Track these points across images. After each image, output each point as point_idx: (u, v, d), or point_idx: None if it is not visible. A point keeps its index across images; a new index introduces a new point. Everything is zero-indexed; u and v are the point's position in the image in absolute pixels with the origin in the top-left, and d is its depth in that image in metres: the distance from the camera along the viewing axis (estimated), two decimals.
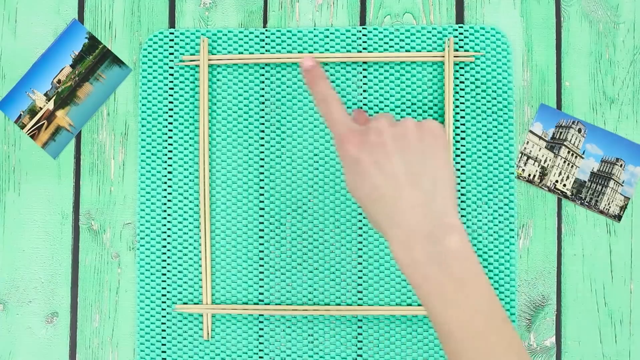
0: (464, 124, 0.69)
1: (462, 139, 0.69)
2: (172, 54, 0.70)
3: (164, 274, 0.69)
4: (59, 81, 0.70)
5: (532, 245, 0.69)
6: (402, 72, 0.69)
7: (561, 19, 0.70)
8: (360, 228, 0.69)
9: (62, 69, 0.70)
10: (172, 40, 0.70)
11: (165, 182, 0.69)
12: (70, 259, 0.70)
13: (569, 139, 0.69)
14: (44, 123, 0.70)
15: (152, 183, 0.69)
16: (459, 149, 0.69)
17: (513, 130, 0.68)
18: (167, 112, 0.70)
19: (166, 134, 0.70)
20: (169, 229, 0.69)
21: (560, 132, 0.69)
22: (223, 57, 0.69)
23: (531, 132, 0.69)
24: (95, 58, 0.70)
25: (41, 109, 0.70)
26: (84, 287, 0.70)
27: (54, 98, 0.70)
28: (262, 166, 0.69)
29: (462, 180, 0.69)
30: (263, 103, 0.70)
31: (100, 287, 0.70)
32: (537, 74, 0.70)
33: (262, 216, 0.69)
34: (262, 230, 0.69)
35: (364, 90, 0.69)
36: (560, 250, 0.69)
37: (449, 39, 0.68)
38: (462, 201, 0.69)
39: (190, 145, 0.69)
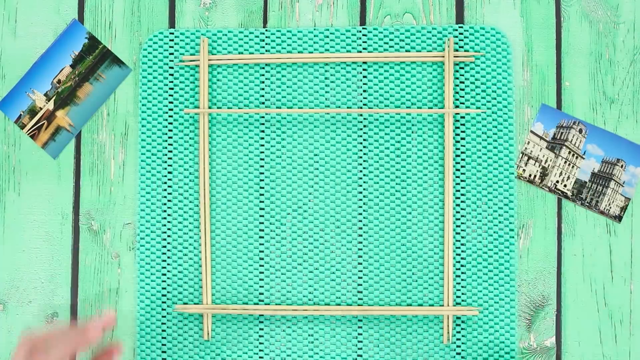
0: (463, 124, 0.69)
1: (462, 139, 0.69)
2: (172, 54, 0.70)
3: (164, 274, 0.69)
4: (59, 81, 0.70)
5: (532, 245, 0.69)
6: (402, 72, 0.69)
7: (561, 19, 0.69)
8: (360, 228, 0.69)
9: (62, 69, 0.70)
10: (172, 40, 0.70)
11: (165, 182, 0.69)
12: (70, 259, 0.70)
13: (569, 139, 0.68)
14: (44, 123, 0.70)
15: (152, 183, 0.69)
16: (459, 149, 0.69)
17: (513, 130, 0.68)
18: (167, 112, 0.69)
19: (166, 134, 0.69)
20: (169, 229, 0.69)
21: (561, 133, 0.69)
22: (223, 57, 0.69)
23: (532, 132, 0.69)
24: (95, 58, 0.70)
25: (41, 109, 0.70)
26: (84, 287, 0.70)
27: (54, 98, 0.70)
28: (262, 166, 0.69)
29: (462, 180, 0.69)
30: (263, 103, 0.69)
31: (100, 287, 0.70)
32: (537, 74, 0.69)
33: (262, 216, 0.69)
34: (262, 230, 0.69)
35: (364, 91, 0.69)
36: (560, 250, 0.69)
37: (449, 39, 0.68)
38: (462, 201, 0.68)
39: (190, 145, 0.69)
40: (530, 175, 0.69)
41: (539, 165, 0.69)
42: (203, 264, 0.68)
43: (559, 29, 0.70)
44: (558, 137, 0.69)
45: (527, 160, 0.69)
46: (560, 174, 0.69)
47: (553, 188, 0.69)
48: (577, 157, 0.69)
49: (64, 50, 0.70)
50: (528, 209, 0.69)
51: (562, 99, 0.69)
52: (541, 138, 0.69)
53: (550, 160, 0.69)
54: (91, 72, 0.70)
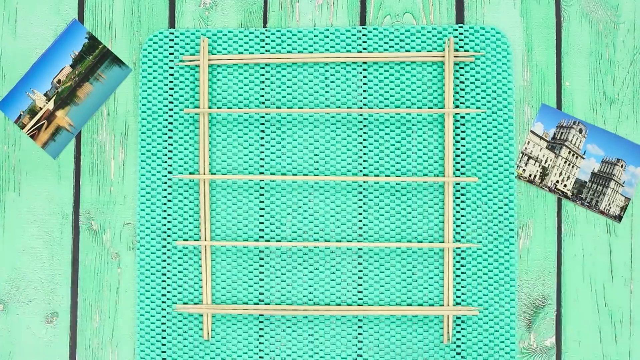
0: (464, 124, 0.68)
1: (462, 139, 0.68)
2: (172, 54, 0.69)
3: (164, 274, 0.68)
4: (59, 81, 0.70)
5: (532, 245, 0.68)
6: (402, 72, 0.69)
7: (561, 19, 0.69)
8: (360, 228, 0.68)
9: (62, 69, 0.70)
10: (172, 40, 0.69)
11: (165, 182, 0.69)
12: (70, 259, 0.70)
13: (570, 139, 0.68)
14: (44, 123, 0.69)
15: (152, 183, 0.69)
16: (459, 149, 0.68)
17: (513, 130, 0.68)
18: (167, 112, 0.69)
19: (166, 134, 0.69)
20: (169, 229, 0.69)
21: (561, 133, 0.68)
22: (223, 57, 0.69)
23: (532, 132, 0.68)
24: (95, 58, 0.69)
25: (41, 109, 0.69)
26: (84, 287, 0.69)
27: (54, 98, 0.69)
28: (262, 166, 0.69)
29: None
30: (263, 103, 0.69)
31: (100, 287, 0.69)
32: (537, 74, 0.69)
33: (262, 216, 0.68)
34: (262, 230, 0.68)
35: (364, 90, 0.69)
36: (560, 250, 0.68)
37: (449, 39, 0.68)
38: (462, 201, 0.68)
39: (190, 145, 0.69)
40: (530, 175, 0.68)
41: (539, 165, 0.68)
42: (203, 264, 0.68)
43: (559, 29, 0.69)
44: (558, 137, 0.68)
45: (527, 160, 0.68)
46: (560, 173, 0.68)
47: (553, 188, 0.68)
48: (577, 157, 0.68)
49: (64, 50, 0.70)
50: (528, 209, 0.68)
51: (562, 99, 0.69)
52: (541, 138, 0.68)
53: (550, 160, 0.68)
54: (91, 72, 0.70)
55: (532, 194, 0.69)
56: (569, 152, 0.68)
